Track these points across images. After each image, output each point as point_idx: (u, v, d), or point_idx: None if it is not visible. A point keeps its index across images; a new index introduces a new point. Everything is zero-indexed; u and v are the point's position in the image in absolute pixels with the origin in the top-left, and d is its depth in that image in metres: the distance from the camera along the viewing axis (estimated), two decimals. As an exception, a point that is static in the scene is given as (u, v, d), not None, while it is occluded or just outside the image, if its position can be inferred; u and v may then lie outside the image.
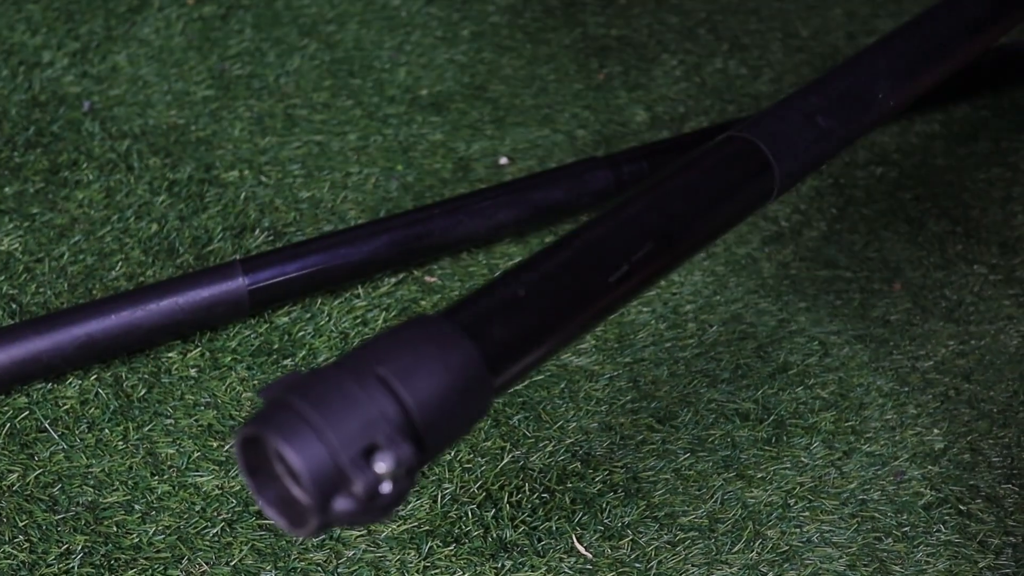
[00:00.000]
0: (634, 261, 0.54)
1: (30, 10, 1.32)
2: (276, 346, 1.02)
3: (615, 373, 1.04)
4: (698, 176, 0.59)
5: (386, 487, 0.41)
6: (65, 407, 0.95)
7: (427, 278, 1.11)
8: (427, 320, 0.45)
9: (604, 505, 0.94)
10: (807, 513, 0.95)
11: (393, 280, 1.10)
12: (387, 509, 0.41)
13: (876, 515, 0.96)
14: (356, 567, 0.88)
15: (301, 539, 0.89)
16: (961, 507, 0.97)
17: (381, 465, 0.41)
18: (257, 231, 1.12)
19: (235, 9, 1.37)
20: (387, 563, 0.88)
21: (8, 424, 0.94)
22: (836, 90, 0.68)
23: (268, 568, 0.87)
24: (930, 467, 1.00)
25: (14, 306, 1.02)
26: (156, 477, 0.92)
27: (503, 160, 1.25)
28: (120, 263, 1.07)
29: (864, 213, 1.25)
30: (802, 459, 0.99)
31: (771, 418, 1.02)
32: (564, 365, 1.05)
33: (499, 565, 0.89)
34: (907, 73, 0.71)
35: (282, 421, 0.41)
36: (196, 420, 0.96)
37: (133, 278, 1.06)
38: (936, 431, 1.03)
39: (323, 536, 0.90)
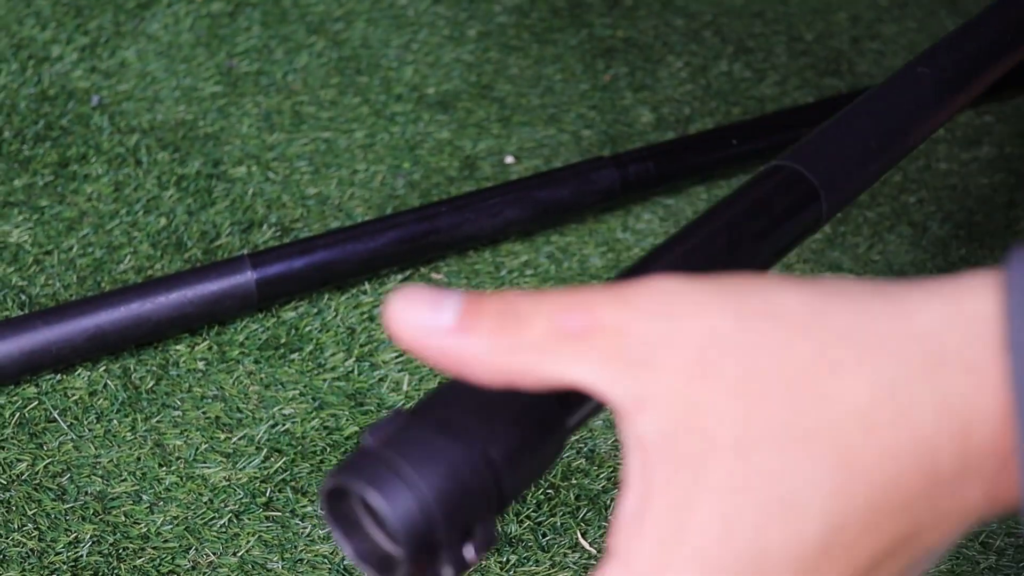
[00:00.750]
0: None
1: (39, 5, 1.33)
2: (283, 340, 1.03)
3: (620, 371, 1.05)
4: (751, 210, 0.59)
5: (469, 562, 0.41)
6: (74, 397, 0.96)
7: (433, 275, 1.12)
8: None
9: (608, 501, 0.95)
10: (810, 512, 0.96)
11: (400, 276, 1.10)
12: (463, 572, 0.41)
13: (878, 514, 0.96)
14: (362, 560, 0.88)
15: (307, 531, 0.90)
16: (962, 507, 0.98)
17: (470, 550, 0.40)
18: (264, 226, 1.13)
19: (243, 6, 1.38)
20: (393, 556, 0.89)
21: (18, 414, 0.94)
22: (883, 119, 0.68)
23: (275, 559, 0.88)
24: (932, 468, 1.00)
25: (24, 297, 1.03)
26: (164, 468, 0.92)
27: (509, 159, 1.26)
28: (129, 256, 1.08)
29: (868, 216, 1.25)
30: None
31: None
32: (569, 362, 1.05)
33: (504, 559, 0.90)
34: (944, 101, 0.71)
35: (396, 497, 0.39)
36: (204, 412, 0.97)
37: (142, 271, 1.07)
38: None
39: (329, 528, 0.90)
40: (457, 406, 0.42)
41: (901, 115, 0.69)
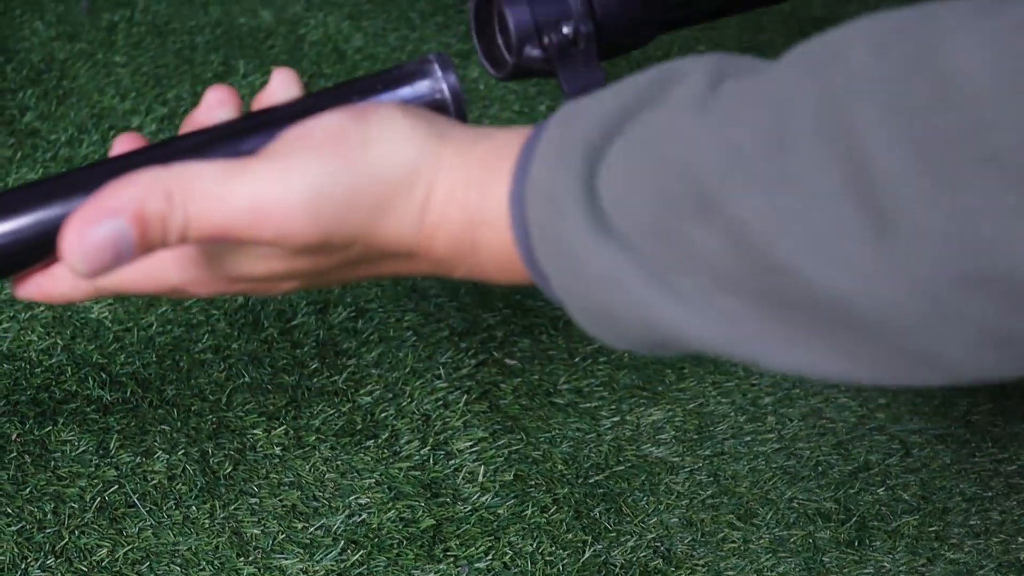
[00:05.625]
0: None
1: (119, 74, 1.35)
2: (359, 426, 1.03)
3: (695, 466, 1.04)
4: None
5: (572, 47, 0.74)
6: (153, 482, 0.96)
7: (507, 360, 1.12)
8: None
9: (686, 604, 0.94)
10: (890, 620, 0.95)
11: (474, 362, 1.10)
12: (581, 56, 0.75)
13: (959, 625, 0.95)
14: (439, 659, 0.88)
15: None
16: (1045, 620, 0.96)
17: (566, 29, 0.72)
18: (340, 307, 1.13)
19: (315, 86, 1.39)
20: (470, 657, 0.88)
21: (98, 498, 0.94)
22: None
23: (352, 657, 0.87)
24: (1013, 577, 0.99)
25: (104, 376, 1.03)
26: (242, 558, 0.92)
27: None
28: (206, 335, 1.08)
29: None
30: (885, 564, 0.99)
31: (853, 520, 1.01)
32: (644, 456, 1.05)
33: (581, 663, 0.89)
34: None
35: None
36: (280, 500, 0.96)
37: (219, 350, 1.07)
38: (1021, 539, 1.02)
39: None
40: None
41: None
